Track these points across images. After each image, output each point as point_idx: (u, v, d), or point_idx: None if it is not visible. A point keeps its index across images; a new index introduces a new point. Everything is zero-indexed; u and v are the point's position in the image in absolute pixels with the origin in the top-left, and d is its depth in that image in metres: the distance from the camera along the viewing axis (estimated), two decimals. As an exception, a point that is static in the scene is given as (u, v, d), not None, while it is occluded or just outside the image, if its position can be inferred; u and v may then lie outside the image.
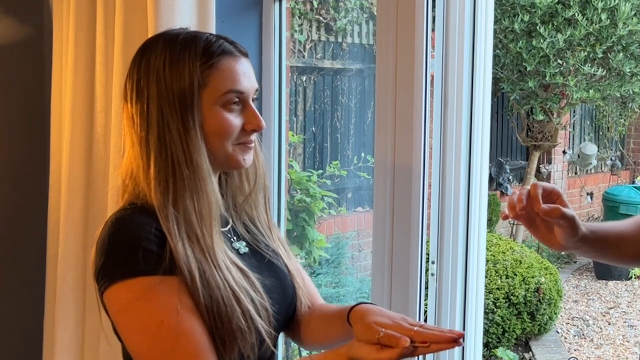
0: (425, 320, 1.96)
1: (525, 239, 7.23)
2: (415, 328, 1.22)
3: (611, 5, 5.89)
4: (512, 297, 5.01)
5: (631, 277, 6.71)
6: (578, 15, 5.93)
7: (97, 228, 1.36)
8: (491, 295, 4.94)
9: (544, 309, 5.19)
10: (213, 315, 1.27)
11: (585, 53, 6.08)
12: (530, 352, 5.27)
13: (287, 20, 2.28)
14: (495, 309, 4.96)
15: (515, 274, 5.08)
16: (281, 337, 2.28)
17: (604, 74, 6.18)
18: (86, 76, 2.01)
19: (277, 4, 2.20)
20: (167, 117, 1.31)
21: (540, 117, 6.70)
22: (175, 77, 1.31)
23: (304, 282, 1.52)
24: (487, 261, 4.89)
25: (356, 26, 5.27)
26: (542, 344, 5.35)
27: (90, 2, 1.98)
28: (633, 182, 8.13)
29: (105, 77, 1.96)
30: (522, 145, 7.52)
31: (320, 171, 4.75)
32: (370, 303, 1.38)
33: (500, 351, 4.94)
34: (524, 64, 6.18)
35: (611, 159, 8.64)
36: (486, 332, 4.90)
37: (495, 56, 6.16)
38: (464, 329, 1.96)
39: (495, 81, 6.45)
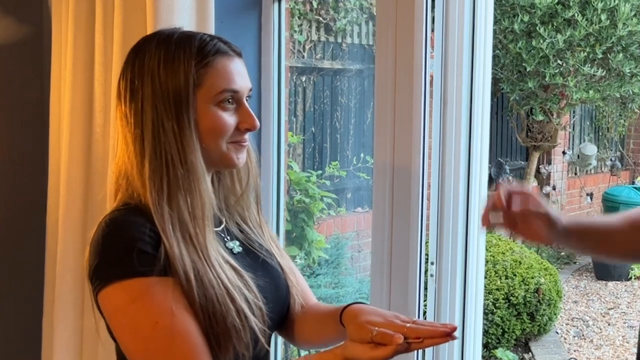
0: (425, 321, 1.96)
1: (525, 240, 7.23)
2: (408, 325, 1.24)
3: (611, 6, 5.89)
4: (511, 297, 5.01)
5: (631, 278, 6.71)
6: (578, 15, 5.93)
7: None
8: (491, 296, 4.94)
9: (544, 310, 5.19)
10: (208, 314, 1.27)
11: (585, 53, 6.08)
12: (530, 353, 5.27)
13: (286, 21, 2.28)
14: (494, 310, 4.96)
15: (515, 275, 5.07)
16: (280, 339, 2.29)
17: (603, 74, 6.18)
18: (85, 76, 2.00)
19: (276, 5, 2.19)
20: (162, 117, 1.31)
21: (540, 117, 6.69)
22: (170, 77, 1.31)
23: (297, 281, 1.52)
24: (487, 262, 4.89)
25: (356, 26, 5.27)
26: (541, 345, 5.35)
27: (89, 3, 1.98)
28: (633, 183, 8.13)
29: (104, 77, 1.95)
30: (522, 146, 7.52)
31: (320, 172, 4.75)
32: (362, 302, 1.38)
33: (499, 352, 4.94)
34: (523, 64, 6.18)
35: (611, 160, 8.64)
36: (486, 332, 4.90)
37: (495, 57, 6.16)
38: (463, 330, 1.96)
39: (495, 81, 6.45)
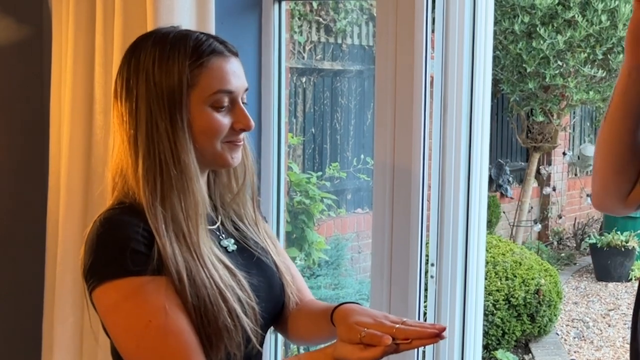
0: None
1: (525, 241, 7.23)
2: (397, 326, 1.25)
3: (611, 7, 5.89)
4: (511, 298, 5.01)
5: (631, 279, 6.70)
6: (578, 16, 5.93)
7: (95, 230, 1.35)
8: (491, 297, 4.94)
9: (544, 311, 5.19)
10: (200, 314, 1.28)
11: (586, 54, 6.08)
12: (530, 354, 5.27)
13: (286, 22, 2.28)
14: (495, 311, 4.96)
15: (515, 276, 5.07)
16: (281, 339, 2.28)
17: (604, 75, 6.18)
18: (85, 77, 2.00)
19: (276, 6, 2.19)
20: (156, 116, 1.31)
21: (540, 118, 6.70)
22: (164, 76, 1.31)
23: (293, 278, 1.52)
24: (487, 263, 4.89)
25: (356, 27, 5.27)
26: (542, 346, 5.35)
27: (89, 3, 1.98)
28: (633, 184, 8.11)
29: (105, 78, 1.95)
30: (522, 147, 7.52)
31: (320, 173, 4.74)
32: (353, 302, 1.39)
33: (500, 353, 4.94)
34: (524, 65, 6.19)
35: (611, 160, 8.62)
36: (486, 334, 4.89)
37: (495, 57, 6.16)
38: (463, 331, 1.96)
39: (495, 82, 6.45)
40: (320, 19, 5.08)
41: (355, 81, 5.27)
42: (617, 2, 5.89)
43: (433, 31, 1.90)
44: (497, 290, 4.98)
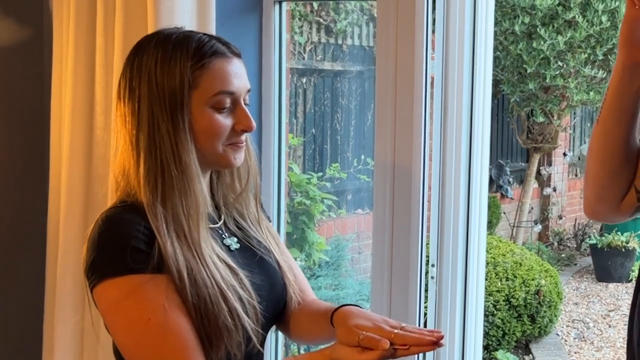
0: (425, 323, 1.96)
1: (525, 241, 7.23)
2: (396, 331, 1.26)
3: (612, 8, 5.89)
4: (512, 299, 5.01)
5: (632, 280, 6.70)
6: (578, 17, 5.93)
7: (96, 231, 1.35)
8: (491, 298, 4.93)
9: (544, 312, 5.18)
10: (200, 313, 1.28)
11: (586, 55, 6.08)
12: (531, 355, 5.27)
13: (287, 22, 2.28)
14: (495, 312, 4.96)
15: (516, 277, 5.07)
16: (281, 339, 2.28)
17: (604, 76, 6.18)
18: (86, 78, 2.00)
19: (277, 6, 2.19)
20: (157, 117, 1.32)
21: (541, 119, 6.69)
22: (166, 77, 1.32)
23: (296, 278, 1.53)
24: (487, 264, 4.89)
25: (356, 28, 5.27)
26: (542, 347, 5.35)
27: (90, 4, 1.98)
28: (633, 184, 8.10)
29: (105, 79, 1.95)
30: (523, 147, 7.52)
31: (320, 173, 4.74)
32: (353, 305, 1.39)
33: (500, 354, 4.94)
34: (524, 65, 6.18)
35: (611, 161, 8.62)
36: (486, 334, 4.89)
37: (495, 58, 6.16)
38: (463, 332, 1.96)
39: (496, 83, 6.45)
40: (321, 20, 5.08)
41: (356, 82, 5.26)
42: (617, 3, 5.89)
43: (433, 32, 1.90)
44: (498, 291, 4.98)
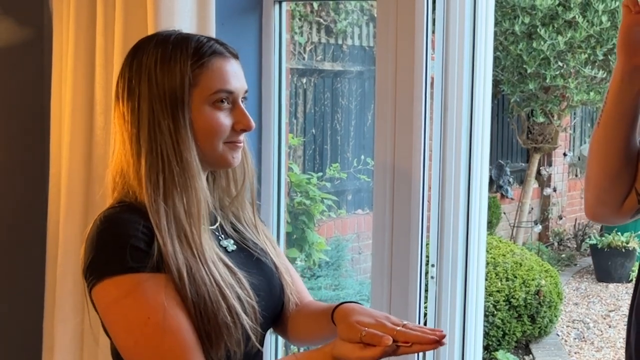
0: (425, 324, 1.96)
1: (525, 242, 7.23)
2: (398, 328, 1.25)
3: (612, 8, 5.89)
4: (512, 299, 5.01)
5: (632, 280, 6.70)
6: (579, 17, 5.92)
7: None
8: (491, 298, 4.93)
9: (545, 312, 5.18)
10: (199, 311, 1.28)
11: (586, 55, 6.07)
12: (531, 355, 5.26)
13: (287, 23, 2.28)
14: (495, 312, 4.96)
15: (516, 277, 5.07)
16: (281, 339, 2.28)
17: (604, 76, 6.17)
18: (86, 79, 2.00)
19: (277, 7, 2.19)
20: (158, 115, 1.33)
21: (541, 119, 6.69)
22: (167, 76, 1.33)
23: (293, 280, 1.53)
24: (487, 264, 4.89)
25: (356, 28, 5.27)
26: (542, 347, 5.35)
27: (90, 5, 1.98)
28: (633, 185, 8.10)
29: (105, 79, 1.95)
30: (523, 148, 7.52)
31: (320, 173, 4.74)
32: (354, 302, 1.39)
33: (500, 354, 4.94)
34: (524, 66, 6.18)
35: (611, 161, 8.61)
36: (486, 334, 4.89)
37: (495, 58, 6.16)
38: (463, 332, 1.96)
39: (496, 83, 6.45)
40: (321, 20, 5.08)
41: (356, 82, 5.26)
42: (617, 3, 5.89)
43: (433, 32, 1.90)
44: (498, 291, 4.98)
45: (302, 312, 1.51)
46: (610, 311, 6.14)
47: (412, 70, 1.88)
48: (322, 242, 4.34)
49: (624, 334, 1.62)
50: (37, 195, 2.20)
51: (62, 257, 2.03)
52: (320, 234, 4.52)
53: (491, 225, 6.95)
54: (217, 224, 1.45)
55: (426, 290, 1.96)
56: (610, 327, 5.82)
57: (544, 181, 7.79)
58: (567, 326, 5.87)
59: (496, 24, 5.91)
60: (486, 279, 4.85)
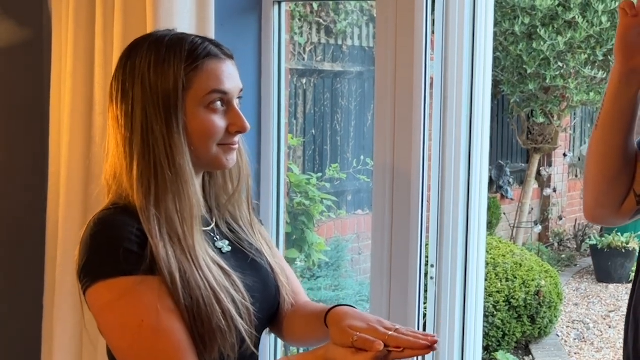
0: (425, 325, 1.96)
1: (525, 242, 7.23)
2: (390, 333, 1.25)
3: (612, 8, 5.88)
4: (512, 300, 5.01)
5: (632, 281, 6.69)
6: (579, 17, 5.92)
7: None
8: (491, 299, 4.93)
9: (544, 312, 5.18)
10: (193, 315, 1.28)
11: (586, 56, 6.07)
12: (531, 356, 5.26)
13: (287, 23, 2.28)
14: (495, 312, 4.95)
15: (516, 277, 5.07)
16: (281, 342, 2.28)
17: (604, 76, 6.17)
18: (85, 79, 2.00)
19: (276, 7, 2.19)
20: (151, 119, 1.32)
21: (541, 119, 6.69)
22: (160, 79, 1.32)
23: (289, 280, 1.53)
24: (487, 264, 4.89)
25: (356, 29, 5.27)
26: (542, 348, 5.34)
27: (89, 5, 1.98)
28: (633, 185, 8.10)
29: (104, 80, 1.95)
30: (523, 148, 7.52)
31: (320, 174, 4.74)
32: (348, 305, 1.39)
33: (500, 354, 4.94)
34: (524, 66, 6.18)
35: (612, 162, 8.61)
36: (486, 335, 4.89)
37: (495, 59, 6.16)
38: (463, 333, 1.96)
39: (496, 84, 6.44)
40: (321, 20, 5.08)
41: (356, 82, 5.26)
42: (617, 4, 5.89)
43: (433, 32, 1.90)
44: (498, 292, 4.98)
45: (297, 313, 1.51)
46: (610, 312, 6.14)
47: (411, 70, 1.88)
48: (322, 242, 4.33)
49: (624, 334, 1.62)
50: (36, 195, 2.20)
51: (61, 257, 2.03)
52: (320, 235, 4.52)
53: (491, 225, 6.95)
54: (212, 224, 1.45)
55: (426, 291, 1.95)
56: (610, 327, 5.82)
57: (544, 182, 7.79)
58: (567, 327, 5.86)
59: (496, 24, 5.91)
60: (486, 280, 4.85)
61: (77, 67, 2.00)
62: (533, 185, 7.25)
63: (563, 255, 7.53)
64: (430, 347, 1.22)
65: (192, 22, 1.84)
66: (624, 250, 6.74)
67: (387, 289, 1.94)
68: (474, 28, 1.90)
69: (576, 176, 8.39)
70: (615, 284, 6.75)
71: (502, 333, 5.00)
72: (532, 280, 5.11)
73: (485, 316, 4.83)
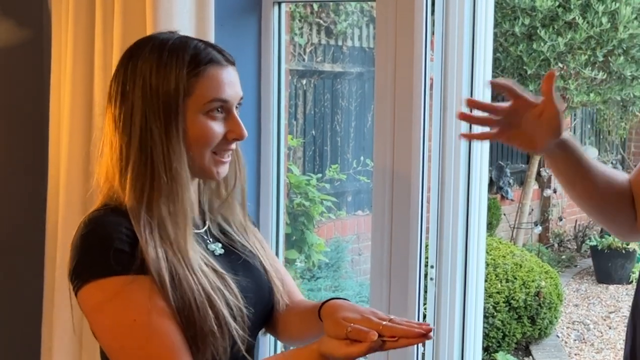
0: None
1: (525, 243, 7.22)
2: (384, 323, 1.25)
3: (612, 9, 5.88)
4: (512, 301, 5.01)
5: (632, 282, 6.69)
6: (579, 18, 5.92)
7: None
8: (491, 299, 4.93)
9: (545, 313, 5.18)
10: (185, 317, 1.28)
11: (586, 56, 6.07)
12: (531, 357, 5.26)
13: (287, 24, 2.28)
14: (495, 313, 4.95)
15: (516, 278, 5.07)
16: (280, 344, 2.28)
17: (604, 77, 6.17)
18: (85, 80, 2.00)
19: (276, 8, 2.19)
20: (150, 122, 1.31)
21: (541, 120, 6.67)
22: (161, 83, 1.31)
23: (283, 280, 1.52)
24: (487, 265, 4.88)
25: (356, 29, 5.27)
26: (542, 348, 5.34)
27: (89, 6, 1.98)
28: (634, 186, 8.10)
29: (104, 81, 1.95)
30: (523, 149, 7.50)
31: (320, 175, 4.74)
32: (341, 298, 1.39)
33: (500, 355, 4.93)
34: (524, 67, 6.18)
35: (612, 163, 8.63)
36: (486, 336, 4.89)
37: (495, 59, 6.16)
38: (463, 333, 1.96)
39: (496, 85, 6.43)
40: (321, 21, 5.08)
41: (356, 83, 5.26)
42: (617, 4, 5.89)
43: (433, 33, 1.90)
44: (498, 293, 4.97)
45: (292, 312, 1.50)
46: (610, 312, 6.14)
47: (411, 71, 1.88)
48: (322, 243, 4.34)
49: (624, 335, 1.63)
50: (36, 196, 2.20)
51: (61, 257, 2.02)
52: (320, 235, 4.52)
53: (491, 226, 6.95)
54: (205, 227, 1.45)
55: (425, 292, 1.95)
56: (610, 328, 5.81)
57: (544, 182, 7.78)
58: (567, 327, 5.86)
59: (496, 25, 5.91)
60: (486, 280, 4.85)
61: (77, 68, 2.00)
62: (533, 186, 7.24)
63: (563, 256, 7.53)
64: (425, 335, 1.22)
65: (191, 22, 1.84)
66: (624, 251, 6.74)
67: (387, 290, 1.94)
68: (474, 29, 1.89)
69: (576, 177, 8.38)
70: (615, 285, 6.75)
71: (502, 334, 5.00)
72: (532, 281, 5.10)
73: (485, 317, 4.83)
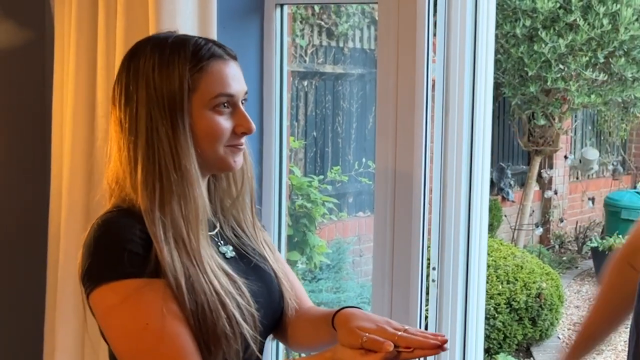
0: (427, 327, 1.96)
1: (526, 244, 7.22)
2: (399, 333, 1.24)
3: (613, 10, 5.89)
4: (513, 302, 5.00)
5: (633, 283, 6.67)
6: (580, 20, 5.92)
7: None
8: (492, 301, 4.93)
9: (546, 315, 5.17)
10: (198, 320, 1.27)
11: (587, 58, 6.07)
12: (532, 358, 5.26)
13: (288, 25, 2.28)
14: (496, 315, 4.95)
15: (517, 280, 5.07)
16: (283, 346, 2.28)
17: (605, 78, 6.17)
18: (87, 81, 2.00)
19: (278, 9, 2.19)
20: (156, 121, 1.31)
21: (542, 121, 6.69)
22: (165, 81, 1.31)
23: (292, 285, 1.52)
24: (488, 266, 4.88)
25: (358, 31, 5.27)
26: (543, 350, 5.34)
27: (91, 7, 1.98)
28: (635, 187, 8.11)
29: (107, 82, 1.95)
30: (524, 150, 7.51)
31: (321, 176, 4.74)
32: (355, 307, 1.38)
33: (501, 357, 4.93)
34: (525, 68, 6.18)
35: (613, 164, 8.63)
36: (487, 337, 4.89)
37: (496, 61, 6.16)
38: (464, 335, 1.96)
39: (497, 86, 6.44)
40: (322, 23, 5.08)
41: (357, 85, 5.27)
42: (618, 6, 5.89)
43: (435, 35, 1.90)
44: (499, 294, 4.97)
45: (302, 318, 1.50)
46: (611, 314, 6.12)
47: (413, 72, 1.88)
48: (323, 244, 4.34)
49: (624, 336, 1.66)
50: (38, 197, 2.21)
51: (63, 259, 2.03)
52: (322, 237, 4.52)
53: (492, 227, 6.95)
54: (217, 229, 1.44)
55: (427, 293, 1.95)
56: (611, 330, 5.80)
57: (545, 184, 7.78)
58: (569, 329, 5.85)
59: (497, 26, 5.91)
60: (487, 282, 4.84)
61: (79, 69, 2.00)
62: (534, 187, 7.24)
63: (564, 258, 7.53)
64: (441, 346, 1.21)
65: (194, 24, 1.84)
66: (625, 253, 6.72)
67: (389, 291, 1.94)
68: (476, 30, 1.90)
69: (577, 178, 8.38)
70: (616, 286, 6.73)
71: (503, 335, 4.99)
72: (533, 283, 5.10)
73: (487, 318, 4.82)
